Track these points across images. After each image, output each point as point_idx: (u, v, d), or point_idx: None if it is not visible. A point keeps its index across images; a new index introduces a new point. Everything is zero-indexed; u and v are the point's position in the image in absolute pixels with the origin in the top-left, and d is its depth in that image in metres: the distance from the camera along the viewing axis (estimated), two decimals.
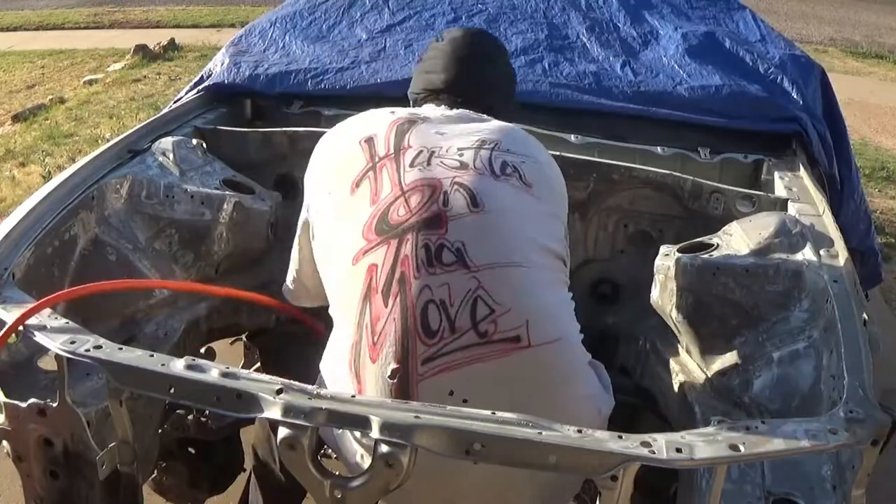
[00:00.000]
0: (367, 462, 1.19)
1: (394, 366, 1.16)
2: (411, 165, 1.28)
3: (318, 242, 1.35)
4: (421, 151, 1.30)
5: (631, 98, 2.17)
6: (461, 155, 1.31)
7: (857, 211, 2.26)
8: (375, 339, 1.18)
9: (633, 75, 2.24)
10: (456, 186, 1.25)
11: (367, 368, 1.19)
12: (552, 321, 1.23)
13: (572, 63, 2.30)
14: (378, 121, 1.39)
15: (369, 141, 1.33)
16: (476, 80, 1.53)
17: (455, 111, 1.46)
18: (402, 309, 1.17)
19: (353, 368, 1.20)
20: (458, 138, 1.35)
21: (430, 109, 1.47)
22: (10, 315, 1.22)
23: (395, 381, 1.16)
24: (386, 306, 1.18)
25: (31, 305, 1.22)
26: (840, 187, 2.19)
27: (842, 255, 1.44)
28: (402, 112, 1.41)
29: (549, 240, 1.30)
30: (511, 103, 1.65)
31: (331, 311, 1.30)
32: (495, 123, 1.44)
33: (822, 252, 1.45)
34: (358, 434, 1.20)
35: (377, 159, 1.30)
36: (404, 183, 1.26)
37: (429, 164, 1.29)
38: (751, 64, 2.27)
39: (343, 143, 1.38)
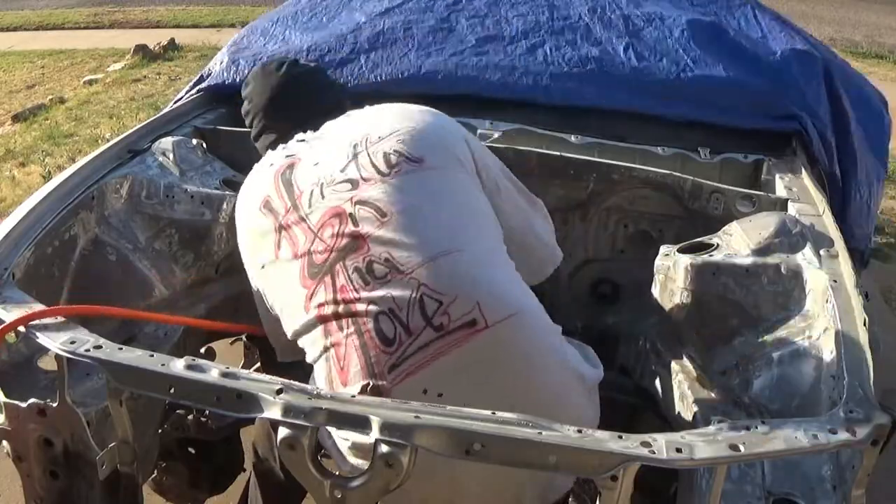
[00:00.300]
0: (354, 462, 1.20)
1: (362, 383, 1.19)
2: (310, 206, 1.31)
3: (273, 308, 1.38)
4: (312, 191, 1.33)
5: (633, 88, 2.15)
6: (344, 173, 1.33)
7: (860, 213, 2.24)
8: (342, 364, 1.22)
9: (637, 60, 2.20)
10: (357, 205, 1.28)
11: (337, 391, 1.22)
12: (503, 297, 1.24)
13: (574, 46, 2.26)
14: (265, 179, 1.41)
15: (267, 205, 1.36)
16: (299, 105, 1.56)
17: (312, 134, 1.47)
18: (357, 330, 1.21)
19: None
20: (331, 160, 1.36)
21: (297, 146, 1.46)
22: (9, 315, 1.22)
23: (367, 393, 1.18)
24: (342, 332, 1.23)
25: (21, 315, 1.22)
26: (845, 186, 2.17)
27: (842, 255, 1.44)
28: (278, 160, 1.43)
29: (468, 213, 1.31)
30: (338, 95, 1.66)
31: (306, 360, 1.33)
32: (352, 119, 1.46)
33: (822, 252, 1.45)
34: (348, 441, 1.22)
35: (281, 218, 1.33)
36: (312, 225, 1.30)
37: (323, 197, 1.31)
38: (753, 57, 2.24)
39: (249, 217, 1.41)
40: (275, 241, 1.33)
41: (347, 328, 1.22)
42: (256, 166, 1.48)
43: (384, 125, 1.39)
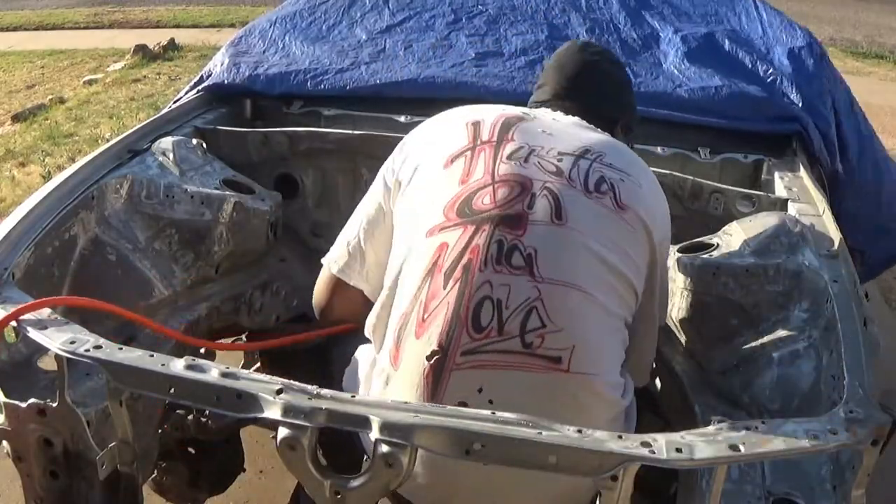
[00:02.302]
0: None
1: (434, 348, 1.17)
2: (508, 158, 1.26)
3: (398, 210, 1.32)
4: (522, 147, 1.28)
5: None
6: (560, 160, 1.27)
7: (858, 192, 2.23)
8: (426, 315, 1.19)
9: (633, 77, 2.24)
10: (545, 192, 1.23)
11: (409, 341, 1.20)
12: (597, 356, 1.20)
13: None
14: (488, 110, 1.37)
15: (476, 124, 1.32)
16: (587, 87, 1.49)
17: (569, 118, 1.42)
18: (459, 296, 1.17)
19: (396, 337, 1.22)
20: (562, 142, 1.31)
21: (542, 112, 1.44)
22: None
23: (432, 362, 1.16)
24: (444, 288, 1.18)
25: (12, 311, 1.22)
26: (839, 180, 2.17)
27: (842, 255, 1.44)
28: (512, 109, 1.39)
29: (622, 271, 1.23)
30: (633, 120, 1.59)
31: (387, 281, 1.29)
32: (606, 137, 1.39)
33: (822, 252, 1.45)
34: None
35: (478, 142, 1.29)
36: (497, 173, 1.24)
37: (526, 160, 1.26)
38: (750, 66, 2.27)
39: (449, 121, 1.37)
40: (457, 151, 1.28)
41: (452, 287, 1.18)
42: (489, 104, 1.43)
43: (625, 160, 1.33)
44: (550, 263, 1.18)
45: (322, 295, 1.49)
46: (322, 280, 1.49)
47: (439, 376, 1.16)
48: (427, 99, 2.14)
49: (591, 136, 1.37)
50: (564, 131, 1.35)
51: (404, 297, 1.23)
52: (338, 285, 1.44)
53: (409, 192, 1.31)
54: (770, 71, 2.23)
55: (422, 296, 1.20)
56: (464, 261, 1.19)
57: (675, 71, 2.26)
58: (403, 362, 1.20)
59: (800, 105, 2.13)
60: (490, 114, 1.36)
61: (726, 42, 2.36)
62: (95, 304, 1.37)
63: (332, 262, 1.44)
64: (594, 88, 1.49)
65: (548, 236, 1.20)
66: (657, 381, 1.67)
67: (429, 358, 1.17)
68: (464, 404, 1.13)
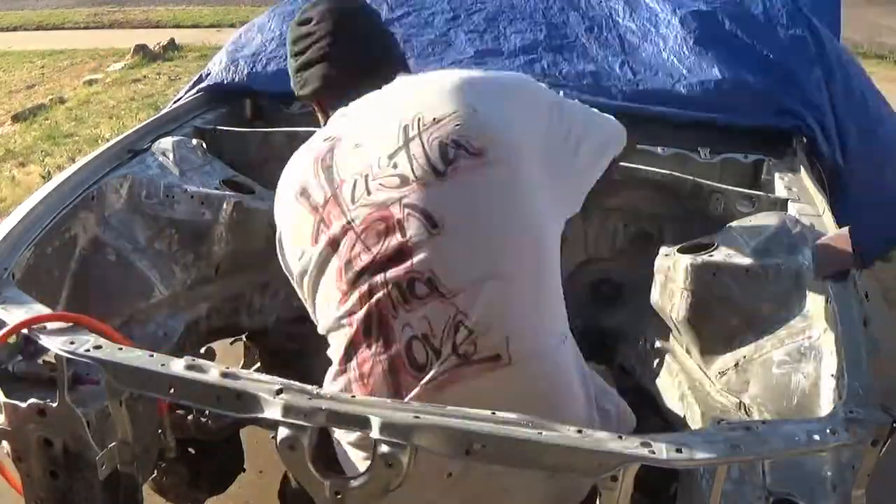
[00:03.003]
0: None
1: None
2: (353, 202, 1.20)
3: (307, 296, 1.30)
4: (356, 181, 1.21)
5: (630, 97, 2.16)
6: (395, 166, 1.20)
7: (880, 163, 2.21)
8: (365, 380, 1.18)
9: (632, 73, 2.23)
10: (407, 210, 1.17)
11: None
12: (533, 335, 1.19)
13: (571, 63, 2.30)
14: (302, 165, 1.29)
15: (304, 192, 1.25)
16: (354, 54, 1.38)
17: (361, 103, 1.32)
18: (386, 351, 1.16)
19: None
20: (378, 142, 1.23)
21: (339, 119, 1.34)
22: (9, 315, 1.23)
23: None
24: (370, 349, 1.17)
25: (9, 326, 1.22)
26: (840, 176, 2.16)
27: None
28: (317, 142, 1.31)
29: (520, 228, 1.20)
30: (395, 41, 1.49)
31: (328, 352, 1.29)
32: (404, 87, 1.30)
33: None
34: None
35: (320, 209, 1.23)
36: (355, 225, 1.20)
37: (368, 192, 1.20)
38: (751, 50, 2.23)
39: (286, 206, 1.30)
40: (313, 231, 1.24)
41: (378, 347, 1.17)
42: (296, 152, 1.35)
43: (441, 102, 1.22)
44: (451, 274, 1.15)
45: None
46: None
47: None
48: None
49: (395, 100, 1.28)
50: (373, 127, 1.26)
51: (341, 369, 1.22)
52: None
53: (308, 283, 1.27)
54: (770, 57, 2.20)
55: (352, 366, 1.19)
56: (375, 319, 1.17)
57: (675, 61, 2.24)
58: None
59: (799, 96, 2.12)
60: (306, 168, 1.27)
61: (727, 22, 2.32)
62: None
63: None
64: (361, 52, 1.39)
65: (435, 251, 1.15)
66: (657, 382, 1.67)
67: None
68: None
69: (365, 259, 1.18)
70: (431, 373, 1.14)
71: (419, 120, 1.21)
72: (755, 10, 2.39)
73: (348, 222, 1.20)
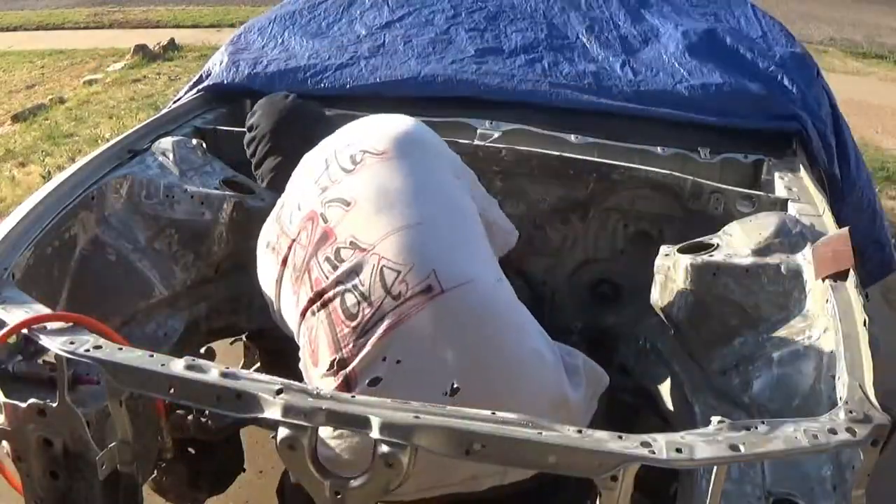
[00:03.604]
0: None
1: (330, 359, 1.25)
2: (291, 221, 1.40)
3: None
4: (291, 211, 1.41)
5: (630, 97, 2.16)
6: (317, 183, 1.40)
7: (858, 205, 2.25)
8: (313, 347, 1.30)
9: (633, 74, 2.24)
10: (327, 204, 1.36)
11: (312, 375, 1.30)
12: (460, 265, 1.28)
13: (572, 63, 2.30)
14: (267, 225, 1.49)
15: (268, 244, 1.45)
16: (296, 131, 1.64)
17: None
18: (326, 312, 1.28)
19: (305, 382, 1.30)
20: (309, 177, 1.44)
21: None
22: (9, 315, 1.23)
23: (333, 369, 1.24)
24: (314, 317, 1.30)
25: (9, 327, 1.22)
26: (838, 185, 2.19)
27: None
28: (276, 206, 1.51)
29: (430, 190, 1.35)
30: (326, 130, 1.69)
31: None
32: (322, 143, 1.51)
33: None
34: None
35: (279, 250, 1.41)
36: (293, 235, 1.38)
37: (300, 209, 1.39)
38: (751, 61, 2.26)
39: (260, 257, 1.48)
40: (278, 268, 1.40)
41: (320, 313, 1.29)
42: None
43: (353, 135, 1.47)
44: (368, 232, 1.28)
45: None
46: None
47: (347, 377, 1.23)
48: (427, 97, 2.15)
49: (320, 147, 1.50)
50: (303, 175, 1.47)
51: (303, 353, 1.34)
52: None
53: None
54: (771, 68, 2.23)
55: (305, 341, 1.32)
56: (317, 295, 1.30)
57: (676, 64, 2.25)
58: (322, 385, 1.25)
59: (800, 104, 2.12)
60: (269, 226, 1.48)
61: (727, 38, 2.36)
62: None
63: None
64: (307, 127, 1.65)
65: (350, 219, 1.31)
66: (657, 382, 1.67)
67: (328, 367, 1.25)
68: (378, 380, 1.20)
69: (301, 253, 1.34)
70: (365, 317, 1.22)
71: (335, 150, 1.44)
72: (753, 34, 2.44)
73: (292, 240, 1.37)
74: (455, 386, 1.20)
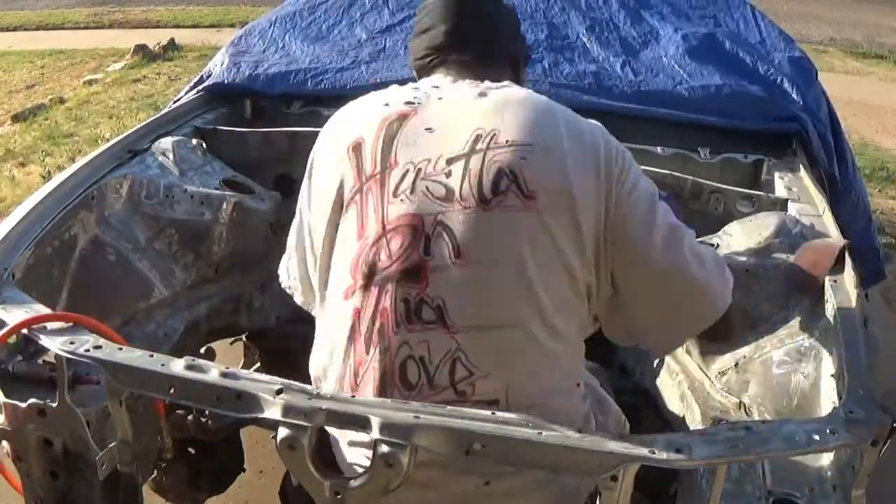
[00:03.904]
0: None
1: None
2: (395, 195, 1.17)
3: (314, 258, 1.28)
4: (407, 171, 1.18)
5: (631, 98, 2.16)
6: (448, 174, 1.16)
7: (854, 209, 2.26)
8: (357, 381, 1.16)
9: (634, 75, 2.24)
10: (439, 229, 1.14)
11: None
12: (536, 385, 1.14)
13: (572, 63, 2.31)
14: (369, 117, 1.25)
15: (357, 149, 1.22)
16: (480, 24, 1.36)
17: (459, 86, 1.28)
18: (381, 361, 1.14)
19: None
20: (450, 137, 1.19)
21: (429, 88, 1.29)
22: (9, 315, 1.23)
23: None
24: (367, 353, 1.15)
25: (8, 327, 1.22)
26: (838, 186, 2.19)
27: (842, 255, 1.44)
28: (396, 102, 1.25)
29: (542, 280, 1.13)
30: (526, 50, 1.48)
31: (320, 327, 1.27)
32: (501, 95, 1.24)
33: None
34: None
35: (364, 178, 1.20)
36: (387, 220, 1.17)
37: (412, 191, 1.16)
38: (751, 64, 2.28)
39: (334, 148, 1.27)
40: (349, 195, 1.20)
41: (373, 353, 1.14)
42: (371, 96, 1.31)
43: (518, 126, 1.18)
44: (462, 310, 1.12)
45: None
46: None
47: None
48: None
49: (484, 106, 1.22)
50: (452, 118, 1.22)
51: (336, 360, 1.19)
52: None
53: (322, 245, 1.25)
54: (770, 71, 2.24)
55: (350, 361, 1.17)
56: (377, 325, 1.14)
57: (676, 66, 2.26)
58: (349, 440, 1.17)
59: (800, 105, 2.13)
60: (371, 123, 1.23)
61: (727, 42, 2.37)
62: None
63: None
64: (481, 32, 1.36)
65: (452, 281, 1.12)
66: (657, 382, 1.67)
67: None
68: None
69: (384, 261, 1.15)
70: (422, 398, 1.11)
71: (493, 136, 1.17)
72: (752, 37, 2.45)
73: (382, 215, 1.17)
74: None
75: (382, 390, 1.13)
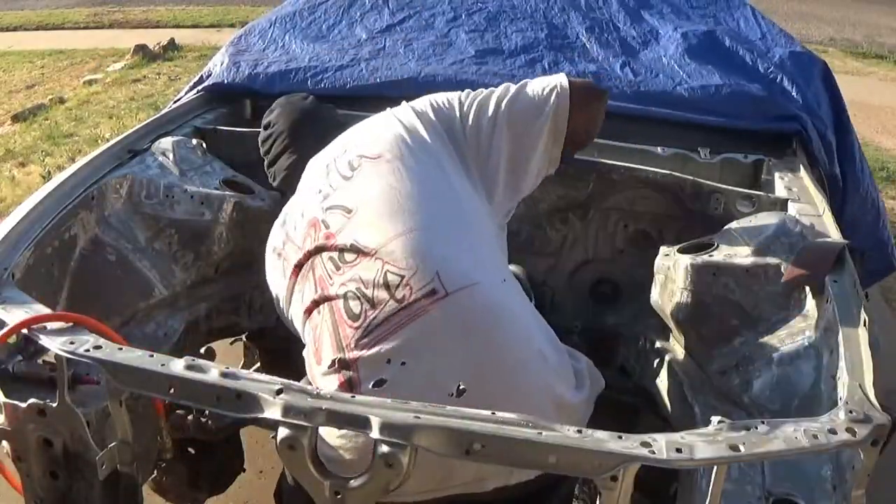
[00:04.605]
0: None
1: (332, 358, 1.26)
2: (295, 229, 1.42)
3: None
4: (297, 219, 1.43)
5: (630, 98, 2.16)
6: (318, 191, 1.42)
7: (863, 204, 2.25)
8: (317, 345, 1.31)
9: (633, 75, 2.24)
10: (328, 211, 1.37)
11: (315, 373, 1.31)
12: (465, 266, 1.27)
13: (572, 62, 2.31)
14: (274, 232, 1.50)
15: (274, 250, 1.47)
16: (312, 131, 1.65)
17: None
18: (329, 311, 1.29)
19: (309, 381, 1.32)
20: (312, 185, 1.46)
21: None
22: (9, 315, 1.23)
23: (335, 367, 1.25)
24: (319, 315, 1.32)
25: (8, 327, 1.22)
26: (844, 182, 2.18)
27: (841, 255, 1.44)
28: (282, 213, 1.52)
29: (429, 194, 1.34)
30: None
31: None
32: (324, 149, 1.53)
33: None
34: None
35: (287, 257, 1.43)
36: (298, 243, 1.40)
37: (303, 217, 1.41)
38: (751, 63, 2.27)
39: (268, 261, 1.50)
40: (284, 273, 1.42)
41: (324, 312, 1.30)
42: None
43: (350, 140, 1.48)
44: (372, 237, 1.29)
45: None
46: None
47: (349, 378, 1.24)
48: None
49: (324, 153, 1.52)
50: (306, 183, 1.50)
51: (305, 353, 1.37)
52: None
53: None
54: (770, 69, 2.23)
55: (309, 339, 1.34)
56: (321, 294, 1.32)
57: (676, 66, 2.26)
58: (324, 386, 1.27)
59: (800, 104, 2.13)
60: (275, 233, 1.49)
61: (727, 40, 2.37)
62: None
63: None
64: (319, 129, 1.65)
65: (353, 225, 1.32)
66: (657, 382, 1.67)
67: (330, 366, 1.26)
68: (382, 381, 1.21)
69: (305, 258, 1.36)
70: (368, 319, 1.24)
71: (335, 157, 1.45)
72: (753, 36, 2.45)
73: (297, 247, 1.39)
74: (461, 387, 1.20)
75: (336, 335, 1.27)
